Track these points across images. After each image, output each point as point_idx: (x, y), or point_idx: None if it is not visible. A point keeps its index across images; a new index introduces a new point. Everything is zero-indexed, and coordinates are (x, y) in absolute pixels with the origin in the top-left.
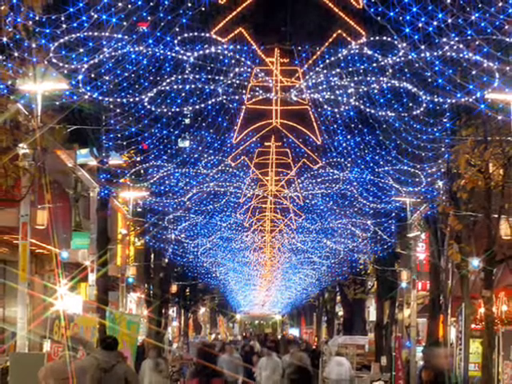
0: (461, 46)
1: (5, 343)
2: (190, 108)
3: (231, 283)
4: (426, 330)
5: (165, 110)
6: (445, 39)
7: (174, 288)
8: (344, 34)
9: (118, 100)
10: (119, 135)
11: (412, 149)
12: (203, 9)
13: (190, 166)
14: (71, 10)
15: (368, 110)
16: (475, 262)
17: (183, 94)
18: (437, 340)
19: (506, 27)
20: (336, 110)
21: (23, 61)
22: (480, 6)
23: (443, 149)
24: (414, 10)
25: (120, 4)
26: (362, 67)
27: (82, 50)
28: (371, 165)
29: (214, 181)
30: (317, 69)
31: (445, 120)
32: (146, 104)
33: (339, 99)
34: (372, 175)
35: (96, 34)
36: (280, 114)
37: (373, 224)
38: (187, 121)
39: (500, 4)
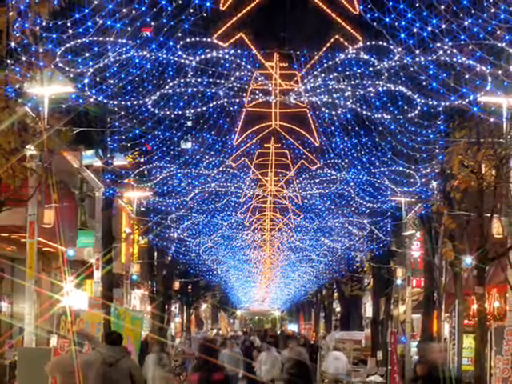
0: (454, 50)
1: (13, 338)
2: (192, 111)
3: (232, 280)
4: (421, 326)
5: (168, 113)
6: (439, 44)
7: (176, 285)
8: (341, 39)
9: (123, 103)
10: (123, 137)
11: (407, 150)
12: (205, 15)
13: (192, 166)
14: (77, 15)
15: (364, 112)
16: (468, 260)
17: (185, 97)
18: (430, 335)
19: (498, 32)
20: (333, 113)
21: (31, 65)
22: (473, 11)
23: (437, 150)
24: (409, 15)
25: (124, 10)
26: (359, 71)
27: (87, 55)
28: (367, 166)
29: (216, 181)
30: (315, 73)
31: (439, 122)
32: (149, 107)
33: (336, 102)
34: (368, 176)
35: (101, 39)
36: (279, 117)
37: (369, 223)
38: (189, 123)
39: (492, 10)
